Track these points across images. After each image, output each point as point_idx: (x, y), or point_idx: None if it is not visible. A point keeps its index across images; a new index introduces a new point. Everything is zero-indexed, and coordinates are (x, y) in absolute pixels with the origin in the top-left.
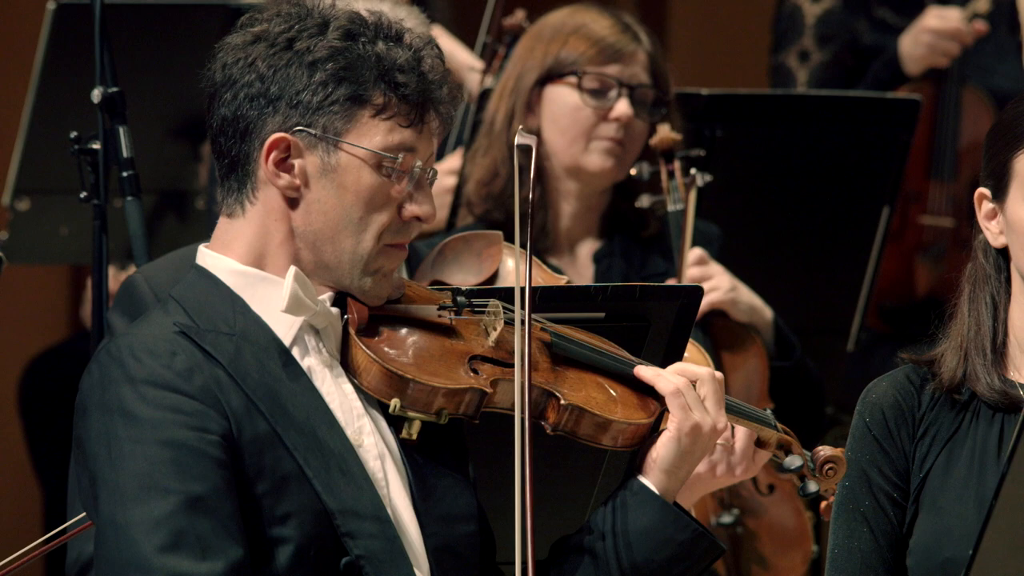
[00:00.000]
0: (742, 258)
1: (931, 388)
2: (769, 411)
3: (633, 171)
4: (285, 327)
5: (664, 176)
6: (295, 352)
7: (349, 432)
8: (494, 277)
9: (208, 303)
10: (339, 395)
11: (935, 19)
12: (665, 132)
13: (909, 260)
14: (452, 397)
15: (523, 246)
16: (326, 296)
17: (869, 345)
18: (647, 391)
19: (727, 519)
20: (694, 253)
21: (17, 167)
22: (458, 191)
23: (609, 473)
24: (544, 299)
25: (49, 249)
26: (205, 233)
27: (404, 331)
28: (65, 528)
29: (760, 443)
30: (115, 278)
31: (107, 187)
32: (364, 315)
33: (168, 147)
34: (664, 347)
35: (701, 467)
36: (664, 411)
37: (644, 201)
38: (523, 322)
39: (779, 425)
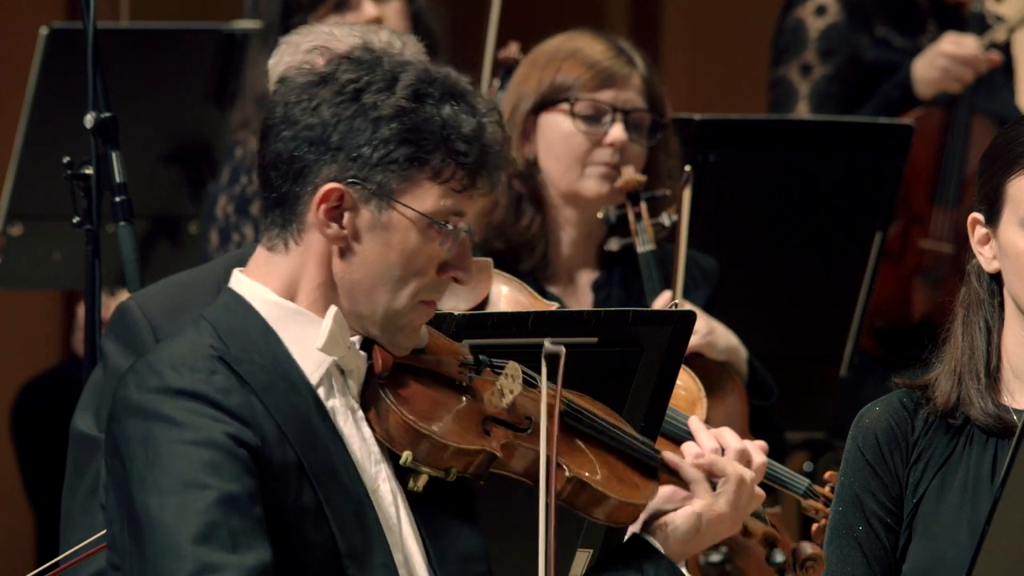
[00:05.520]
0: (734, 284)
1: (925, 413)
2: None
3: (600, 214)
4: (313, 365)
5: (631, 218)
6: (321, 392)
7: (366, 477)
8: (485, 303)
9: (242, 330)
10: (359, 439)
11: (951, 44)
12: (630, 174)
13: (907, 282)
14: (463, 457)
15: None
16: (355, 339)
17: (862, 370)
18: (648, 470)
19: (715, 557)
20: (664, 297)
21: (10, 192)
22: None
23: (589, 534)
24: (536, 324)
25: (42, 274)
26: (197, 258)
27: (424, 384)
28: (57, 562)
29: (746, 533)
30: (105, 305)
31: (100, 212)
32: (388, 363)
33: (161, 172)
34: (657, 372)
35: None
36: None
37: (613, 244)
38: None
39: (767, 516)
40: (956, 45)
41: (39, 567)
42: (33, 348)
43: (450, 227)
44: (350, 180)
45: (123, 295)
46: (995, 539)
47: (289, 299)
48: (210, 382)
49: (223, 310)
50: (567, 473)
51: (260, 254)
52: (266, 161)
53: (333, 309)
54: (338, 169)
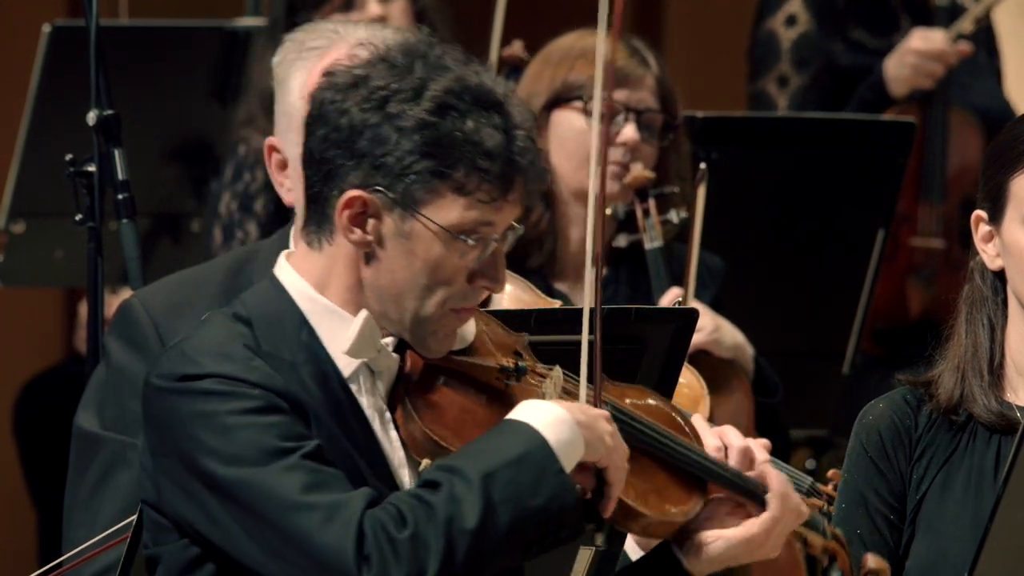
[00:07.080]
0: (737, 282)
1: (928, 409)
2: (819, 512)
3: (608, 211)
4: (345, 361)
5: (639, 214)
6: (352, 388)
7: (396, 478)
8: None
9: (277, 321)
10: (386, 441)
11: (920, 40)
12: (638, 170)
13: (900, 282)
14: None
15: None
16: (389, 340)
17: (864, 368)
18: (694, 482)
19: None
20: (671, 294)
21: (12, 190)
22: None
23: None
24: (540, 322)
25: (44, 272)
26: (200, 256)
27: (454, 389)
28: (61, 562)
29: (806, 544)
30: (108, 303)
31: (102, 210)
32: (418, 366)
33: (163, 170)
34: (659, 370)
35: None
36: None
37: (621, 241)
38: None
39: (828, 529)
40: (924, 41)
41: (42, 565)
42: (35, 346)
43: (473, 241)
44: (374, 188)
45: (126, 293)
46: (998, 536)
47: (326, 296)
48: (250, 369)
49: (262, 298)
50: None
51: (301, 247)
52: (304, 156)
53: (364, 313)
54: (363, 175)
